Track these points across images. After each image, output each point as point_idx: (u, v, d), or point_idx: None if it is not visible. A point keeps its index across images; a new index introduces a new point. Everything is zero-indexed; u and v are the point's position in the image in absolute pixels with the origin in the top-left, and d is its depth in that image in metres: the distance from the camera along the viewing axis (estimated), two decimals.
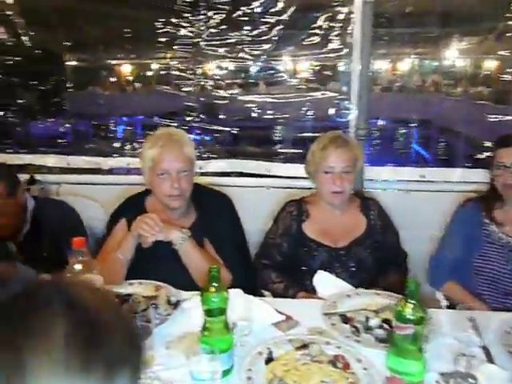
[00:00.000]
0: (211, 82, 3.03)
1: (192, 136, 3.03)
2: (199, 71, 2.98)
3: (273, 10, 2.80)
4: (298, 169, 2.79)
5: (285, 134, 3.00)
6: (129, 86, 3.06)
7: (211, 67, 2.99)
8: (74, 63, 3.42)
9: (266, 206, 2.49)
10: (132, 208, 1.95)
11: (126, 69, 3.19)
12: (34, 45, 3.13)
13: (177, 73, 2.98)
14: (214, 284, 1.30)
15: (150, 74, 3.05)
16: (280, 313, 1.62)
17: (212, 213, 1.91)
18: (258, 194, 2.78)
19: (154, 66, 3.19)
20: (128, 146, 3.17)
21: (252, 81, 3.03)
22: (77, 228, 2.06)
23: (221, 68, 3.02)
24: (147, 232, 1.70)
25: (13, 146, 3.36)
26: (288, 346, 1.45)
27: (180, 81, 2.95)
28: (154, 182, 1.81)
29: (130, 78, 3.08)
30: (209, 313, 1.31)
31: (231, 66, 2.93)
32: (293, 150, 2.92)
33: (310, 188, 2.73)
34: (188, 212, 1.90)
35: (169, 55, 2.91)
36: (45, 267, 1.90)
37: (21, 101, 3.39)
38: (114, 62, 3.28)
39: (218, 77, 2.95)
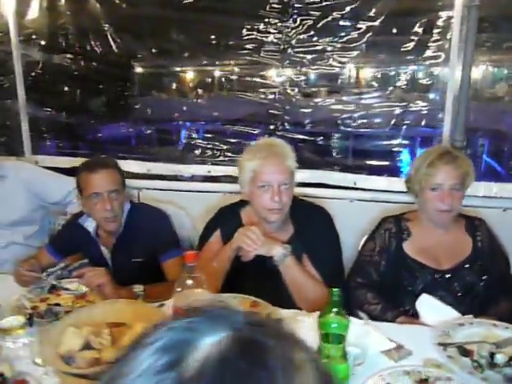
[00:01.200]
0: (288, 89, 2.94)
1: None
2: (283, 78, 2.91)
3: (365, 15, 2.69)
4: (389, 182, 2.67)
5: (371, 144, 2.86)
6: (211, 92, 3.04)
7: (294, 73, 2.90)
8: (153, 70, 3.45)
9: (351, 220, 2.38)
10: (227, 219, 1.90)
11: (206, 75, 3.18)
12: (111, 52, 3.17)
13: (260, 80, 2.93)
14: (334, 309, 1.21)
15: (233, 78, 3.01)
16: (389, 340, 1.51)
17: (310, 227, 1.83)
18: (341, 206, 2.66)
19: (236, 70, 3.14)
20: (209, 153, 3.14)
21: (337, 89, 2.91)
22: (171, 237, 2.04)
23: (305, 74, 2.93)
24: (249, 246, 1.64)
25: (82, 149, 3.45)
26: (406, 378, 1.33)
27: (265, 88, 2.89)
28: (253, 194, 1.75)
29: (212, 84, 3.06)
30: (326, 338, 1.23)
31: (318, 72, 2.84)
32: (381, 163, 2.77)
33: (397, 202, 2.61)
34: (285, 226, 1.83)
35: (255, 59, 2.86)
36: (131, 275, 1.89)
37: (93, 105, 3.47)
38: (197, 68, 3.26)
39: (304, 83, 2.86)
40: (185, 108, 3.14)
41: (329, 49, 2.75)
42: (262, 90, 2.92)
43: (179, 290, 1.33)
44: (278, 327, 0.45)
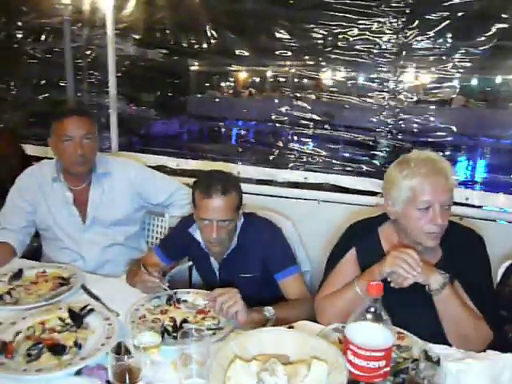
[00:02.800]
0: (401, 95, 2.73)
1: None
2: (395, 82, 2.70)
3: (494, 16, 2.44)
4: None
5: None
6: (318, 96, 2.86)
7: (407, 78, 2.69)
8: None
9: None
10: (363, 237, 1.71)
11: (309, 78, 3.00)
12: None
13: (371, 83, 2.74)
14: None
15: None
16: None
17: (461, 251, 1.61)
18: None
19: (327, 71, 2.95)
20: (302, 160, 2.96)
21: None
22: (286, 253, 1.87)
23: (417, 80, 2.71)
24: (407, 272, 1.44)
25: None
26: None
27: (379, 92, 2.68)
28: (408, 214, 1.55)
29: (318, 86, 2.88)
30: None
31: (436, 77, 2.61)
32: None
33: None
34: (433, 248, 1.63)
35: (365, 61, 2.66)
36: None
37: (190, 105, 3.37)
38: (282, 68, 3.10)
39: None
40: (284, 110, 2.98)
41: (450, 52, 2.53)
42: (372, 94, 2.72)
43: (354, 322, 1.16)
44: None
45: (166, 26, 3.10)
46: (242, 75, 2.80)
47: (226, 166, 2.98)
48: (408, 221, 1.57)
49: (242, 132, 2.99)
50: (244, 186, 2.96)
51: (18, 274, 1.90)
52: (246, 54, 2.92)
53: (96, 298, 1.76)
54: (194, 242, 1.88)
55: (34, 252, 2.39)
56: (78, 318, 1.51)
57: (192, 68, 3.04)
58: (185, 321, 1.58)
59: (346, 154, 2.91)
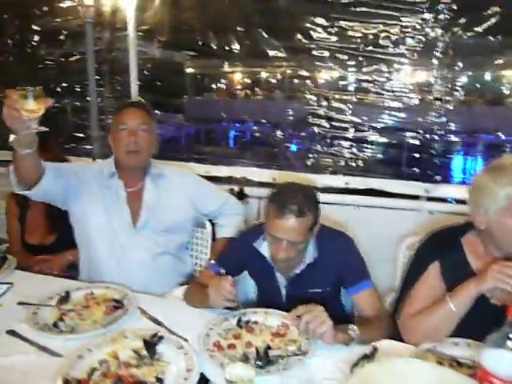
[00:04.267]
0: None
1: None
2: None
3: None
4: None
5: None
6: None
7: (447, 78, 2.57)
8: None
9: None
10: (447, 249, 1.58)
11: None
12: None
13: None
14: None
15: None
16: None
17: None
18: None
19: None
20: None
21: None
22: (361, 266, 1.74)
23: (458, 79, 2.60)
24: None
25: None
26: None
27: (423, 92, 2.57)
28: (503, 224, 1.43)
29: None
30: None
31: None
32: None
33: None
34: None
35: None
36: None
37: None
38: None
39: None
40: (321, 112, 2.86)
41: (501, 49, 2.43)
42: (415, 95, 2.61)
43: (490, 348, 1.02)
44: None
45: (193, 26, 2.96)
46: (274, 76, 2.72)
47: (276, 173, 2.87)
48: (503, 231, 1.45)
49: (281, 136, 2.86)
50: None
51: (65, 298, 1.74)
52: (281, 55, 2.80)
53: (157, 323, 1.61)
54: (257, 256, 1.74)
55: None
56: (151, 348, 1.36)
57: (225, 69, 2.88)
58: (268, 347, 1.43)
59: (387, 157, 2.80)
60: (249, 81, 2.98)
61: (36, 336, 1.51)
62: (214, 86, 3.42)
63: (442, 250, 1.60)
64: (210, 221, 2.34)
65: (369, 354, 1.42)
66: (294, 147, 2.96)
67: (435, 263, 1.58)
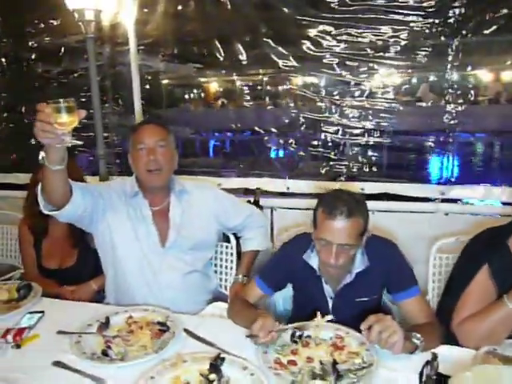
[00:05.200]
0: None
1: None
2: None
3: None
4: None
5: None
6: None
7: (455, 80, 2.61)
8: None
9: None
10: (496, 251, 1.58)
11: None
12: None
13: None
14: None
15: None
16: None
17: None
18: None
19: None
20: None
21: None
22: (408, 272, 1.72)
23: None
24: None
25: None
26: None
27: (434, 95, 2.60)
28: None
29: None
30: None
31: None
32: None
33: None
34: None
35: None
36: (352, 314, 1.60)
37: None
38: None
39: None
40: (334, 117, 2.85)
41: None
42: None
43: None
44: None
45: (197, 38, 2.93)
46: (287, 85, 2.70)
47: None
48: None
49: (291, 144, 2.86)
50: (295, 202, 2.88)
51: (105, 324, 1.67)
52: (291, 64, 2.79)
53: (208, 343, 1.56)
54: (306, 268, 1.71)
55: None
56: (218, 370, 1.31)
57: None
58: (336, 363, 1.39)
59: (400, 162, 2.82)
60: (256, 90, 2.96)
61: (86, 366, 1.44)
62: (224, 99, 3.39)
63: (490, 252, 1.60)
64: (234, 234, 2.30)
65: (431, 361, 1.40)
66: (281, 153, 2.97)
67: (485, 267, 1.58)
